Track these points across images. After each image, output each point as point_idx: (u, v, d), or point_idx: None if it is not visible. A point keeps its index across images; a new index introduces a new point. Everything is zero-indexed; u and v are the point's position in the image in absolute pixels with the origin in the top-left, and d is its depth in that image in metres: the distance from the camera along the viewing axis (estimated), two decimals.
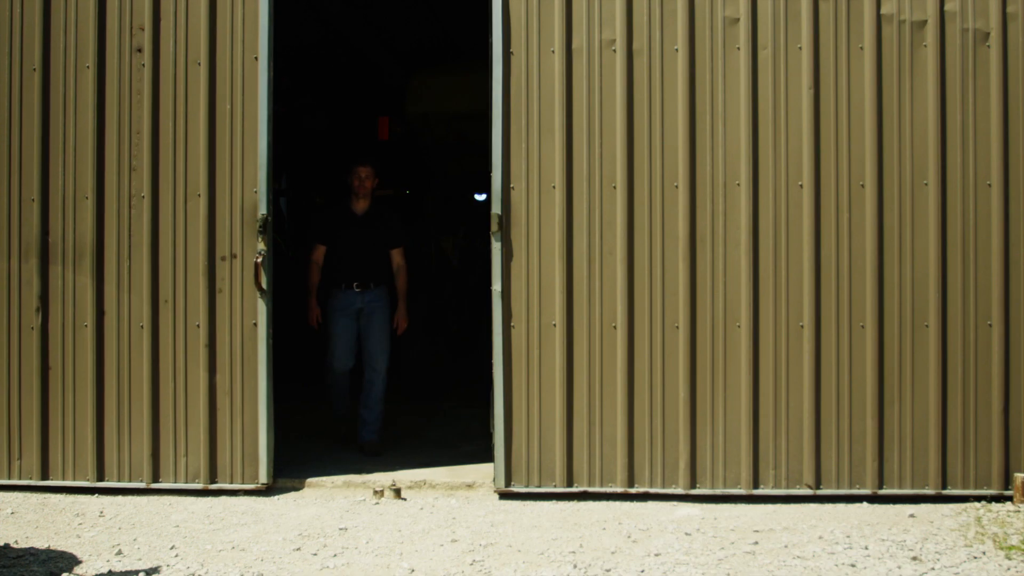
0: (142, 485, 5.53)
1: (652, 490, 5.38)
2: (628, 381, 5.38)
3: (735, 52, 5.40)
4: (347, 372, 6.66)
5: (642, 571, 4.27)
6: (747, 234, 5.36)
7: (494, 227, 5.43)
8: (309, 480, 5.72)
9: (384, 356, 6.53)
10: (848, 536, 4.73)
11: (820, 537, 4.73)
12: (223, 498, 5.50)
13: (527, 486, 5.43)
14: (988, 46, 5.35)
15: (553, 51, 5.44)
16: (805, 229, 5.35)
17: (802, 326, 5.34)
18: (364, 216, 6.53)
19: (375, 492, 5.49)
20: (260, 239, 5.49)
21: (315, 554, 4.54)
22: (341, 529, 4.91)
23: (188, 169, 5.55)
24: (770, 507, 5.25)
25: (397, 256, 6.63)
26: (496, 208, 5.43)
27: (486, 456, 5.93)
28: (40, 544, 4.70)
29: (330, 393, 6.90)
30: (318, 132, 10.51)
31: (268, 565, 4.40)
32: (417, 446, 6.70)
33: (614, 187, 5.41)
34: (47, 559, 4.48)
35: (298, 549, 4.61)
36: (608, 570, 4.29)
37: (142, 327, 5.54)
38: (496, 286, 5.43)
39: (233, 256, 5.54)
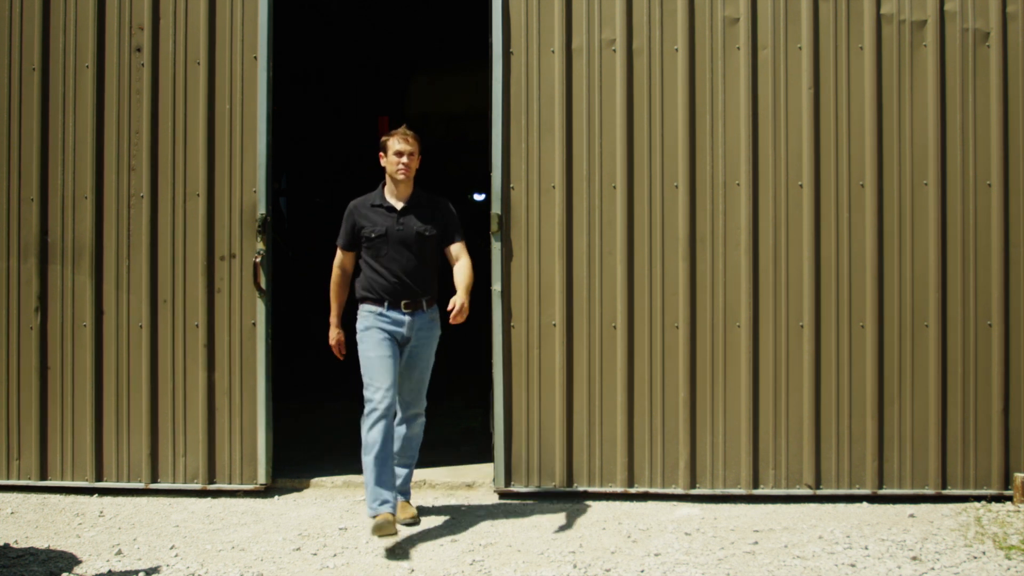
0: (140, 485, 5.52)
1: (652, 490, 5.38)
2: (628, 381, 5.37)
3: (735, 52, 5.40)
4: (392, 416, 4.72)
5: (642, 571, 4.27)
6: (747, 234, 5.36)
7: (494, 227, 5.43)
8: (309, 480, 5.71)
9: (424, 396, 4.99)
10: (848, 536, 4.73)
11: (820, 537, 4.72)
12: (223, 498, 5.49)
13: (527, 486, 5.43)
14: (988, 46, 5.35)
15: (553, 51, 5.44)
16: (805, 229, 5.35)
17: (802, 326, 5.34)
18: (407, 208, 4.87)
19: None
20: (259, 239, 5.48)
21: (315, 554, 4.54)
22: (341, 529, 4.90)
23: (187, 169, 5.54)
24: (770, 507, 5.25)
25: (457, 252, 4.94)
26: (496, 208, 5.43)
27: (486, 456, 5.93)
28: (40, 544, 4.70)
29: (370, 467, 4.65)
30: (318, 132, 10.51)
31: (268, 565, 4.39)
32: None
33: (614, 187, 5.40)
34: (47, 559, 4.47)
35: (298, 549, 4.61)
36: (608, 570, 4.29)
37: (141, 327, 5.53)
38: (496, 286, 5.43)
39: (232, 256, 5.53)
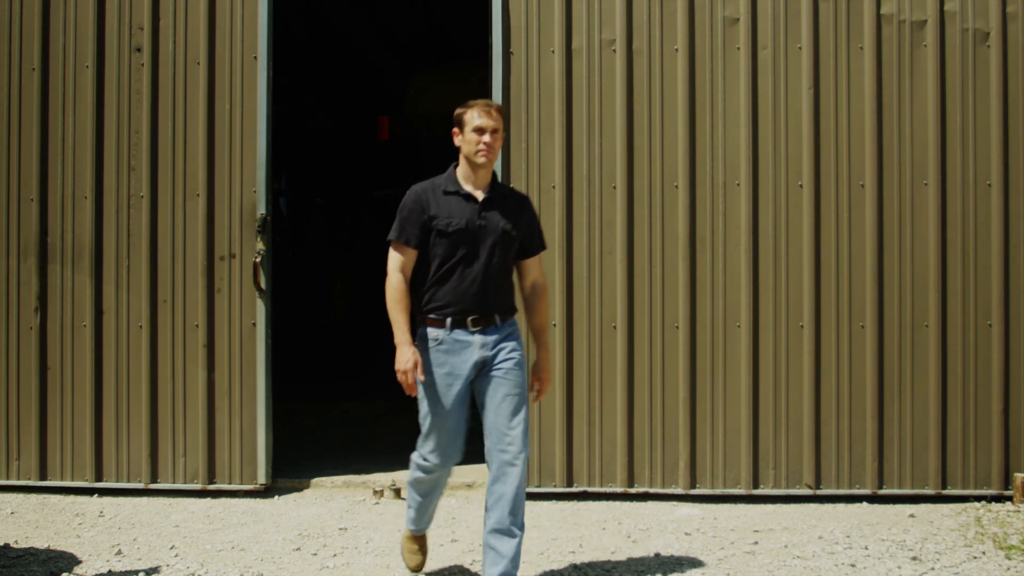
0: (140, 486, 5.52)
1: (652, 490, 5.37)
2: (628, 381, 5.37)
3: (735, 52, 5.40)
4: (450, 470, 3.99)
5: (642, 571, 4.27)
6: (747, 234, 5.36)
7: None
8: (309, 480, 5.71)
9: (526, 433, 3.79)
10: (848, 536, 4.73)
11: (820, 537, 4.73)
12: (223, 498, 5.49)
13: (527, 486, 5.43)
14: (988, 46, 5.35)
15: (553, 51, 5.44)
16: (805, 229, 5.35)
17: (802, 326, 5.34)
18: (491, 199, 3.88)
19: (375, 492, 5.48)
20: (259, 239, 5.48)
21: (315, 554, 4.54)
22: (341, 529, 4.90)
23: (187, 169, 5.54)
24: (770, 507, 5.25)
25: (534, 268, 4.02)
26: None
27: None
28: (40, 544, 4.69)
29: (416, 507, 4.09)
30: (318, 132, 10.51)
31: (268, 565, 4.39)
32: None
33: (614, 187, 5.40)
34: (47, 559, 4.47)
35: (298, 549, 4.61)
36: (608, 570, 4.29)
37: (141, 327, 5.53)
38: None
39: (232, 256, 5.53)
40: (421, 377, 3.77)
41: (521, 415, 3.79)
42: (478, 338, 3.80)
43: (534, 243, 4.02)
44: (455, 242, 3.80)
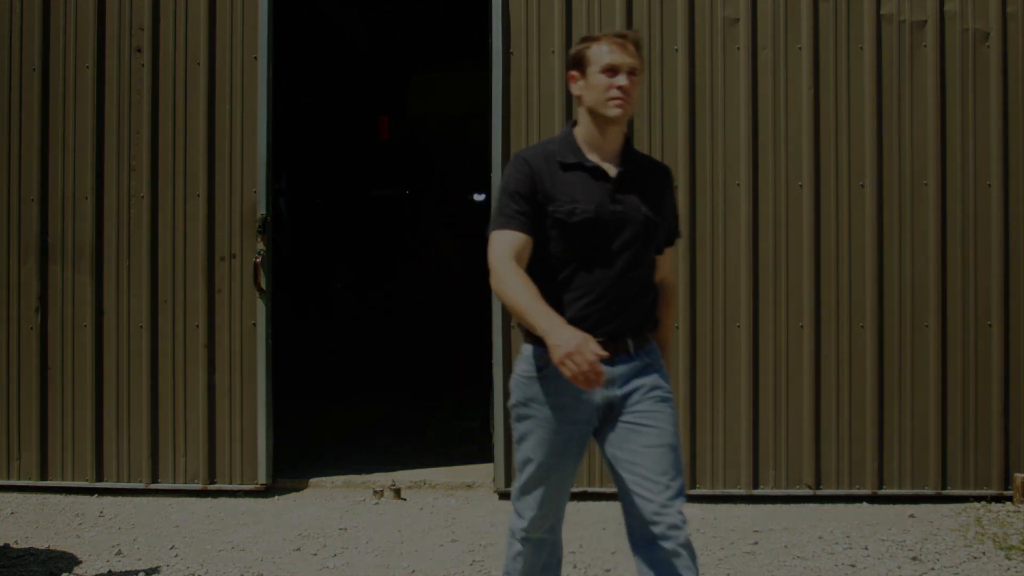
0: (141, 486, 5.52)
1: None
2: None
3: (735, 52, 5.40)
4: (550, 545, 3.00)
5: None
6: (747, 234, 5.36)
7: None
8: (309, 480, 5.71)
9: (682, 494, 2.75)
10: (848, 536, 4.73)
11: (820, 537, 4.73)
12: (223, 498, 5.49)
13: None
14: (988, 46, 5.35)
15: (553, 51, 5.44)
16: (805, 229, 5.35)
17: (802, 326, 5.34)
18: (628, 174, 2.86)
19: (375, 492, 5.49)
20: (260, 239, 5.48)
21: (315, 554, 4.54)
22: (341, 529, 4.91)
23: (188, 169, 5.54)
24: (770, 507, 5.25)
25: (664, 263, 3.03)
26: None
27: (486, 456, 5.92)
28: (40, 544, 4.70)
29: None
30: (318, 132, 10.51)
31: (268, 565, 4.40)
32: (417, 446, 6.71)
33: None
34: (47, 559, 4.48)
35: (298, 549, 4.61)
36: (608, 570, 4.29)
37: (141, 327, 5.53)
38: None
39: (233, 256, 5.53)
40: (598, 368, 2.49)
41: (672, 465, 2.75)
42: (606, 370, 2.71)
43: (672, 231, 3.01)
44: (580, 236, 2.77)
